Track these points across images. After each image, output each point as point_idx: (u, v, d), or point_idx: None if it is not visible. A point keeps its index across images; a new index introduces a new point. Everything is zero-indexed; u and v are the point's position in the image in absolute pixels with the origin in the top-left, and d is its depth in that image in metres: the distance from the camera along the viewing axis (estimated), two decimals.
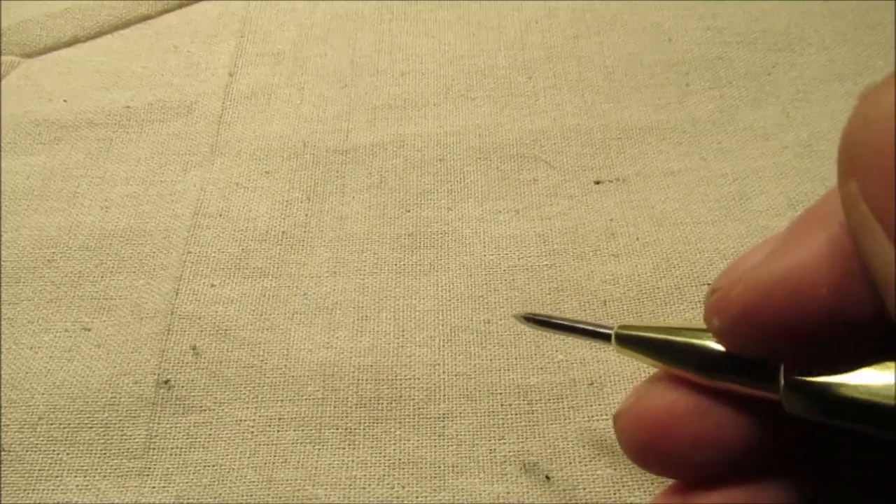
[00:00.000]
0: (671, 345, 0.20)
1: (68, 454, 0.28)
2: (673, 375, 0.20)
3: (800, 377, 0.17)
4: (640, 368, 0.28)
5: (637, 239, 0.32)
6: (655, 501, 0.20)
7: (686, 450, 0.19)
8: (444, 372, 0.29)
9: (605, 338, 0.22)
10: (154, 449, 0.27)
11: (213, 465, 0.27)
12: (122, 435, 0.28)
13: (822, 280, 0.16)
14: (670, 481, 0.20)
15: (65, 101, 0.39)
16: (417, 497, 0.26)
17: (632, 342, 0.21)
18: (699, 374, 0.19)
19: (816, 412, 0.17)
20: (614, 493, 0.26)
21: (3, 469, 0.27)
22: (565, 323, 0.23)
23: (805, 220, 0.17)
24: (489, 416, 0.27)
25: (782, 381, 0.17)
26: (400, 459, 0.27)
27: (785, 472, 0.19)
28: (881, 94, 0.14)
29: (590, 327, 0.22)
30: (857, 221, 0.14)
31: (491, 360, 0.29)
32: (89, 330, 0.30)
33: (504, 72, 0.39)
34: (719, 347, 0.19)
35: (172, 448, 0.27)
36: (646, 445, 0.20)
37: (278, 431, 0.28)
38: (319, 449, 0.27)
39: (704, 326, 0.19)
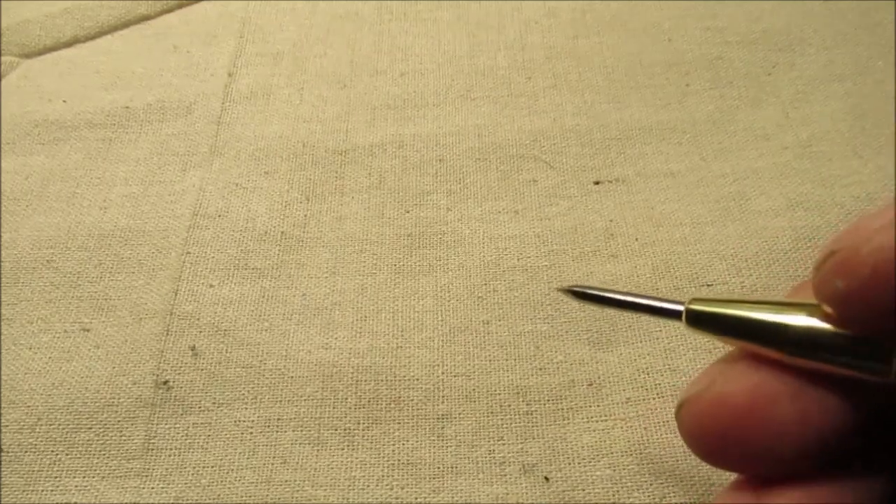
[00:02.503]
0: (757, 322, 0.17)
1: (67, 455, 0.27)
2: (753, 355, 0.18)
3: None
4: (641, 370, 0.28)
5: (636, 239, 0.32)
6: (721, 501, 0.18)
7: (777, 438, 0.17)
8: (443, 372, 0.29)
9: (673, 315, 0.19)
10: (153, 450, 0.27)
11: (212, 466, 0.27)
12: (120, 436, 0.28)
13: None
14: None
15: (64, 101, 0.39)
16: (416, 498, 0.26)
17: (708, 321, 0.19)
18: (794, 353, 0.17)
19: None
20: (613, 494, 0.25)
21: (1, 470, 0.27)
22: (623, 298, 0.21)
23: None
24: (488, 416, 0.27)
25: None
26: (399, 460, 0.27)
27: (873, 465, 0.17)
28: None
29: (654, 302, 0.20)
30: None
31: (490, 360, 0.29)
32: (88, 330, 0.30)
33: (504, 72, 0.39)
34: (818, 323, 0.17)
35: (171, 449, 0.27)
36: (726, 436, 0.17)
37: (277, 432, 0.28)
38: (318, 450, 0.27)
39: (787, 300, 0.17)
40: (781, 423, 0.17)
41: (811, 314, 0.17)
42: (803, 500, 0.17)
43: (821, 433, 0.17)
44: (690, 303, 0.19)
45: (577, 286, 0.22)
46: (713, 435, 0.18)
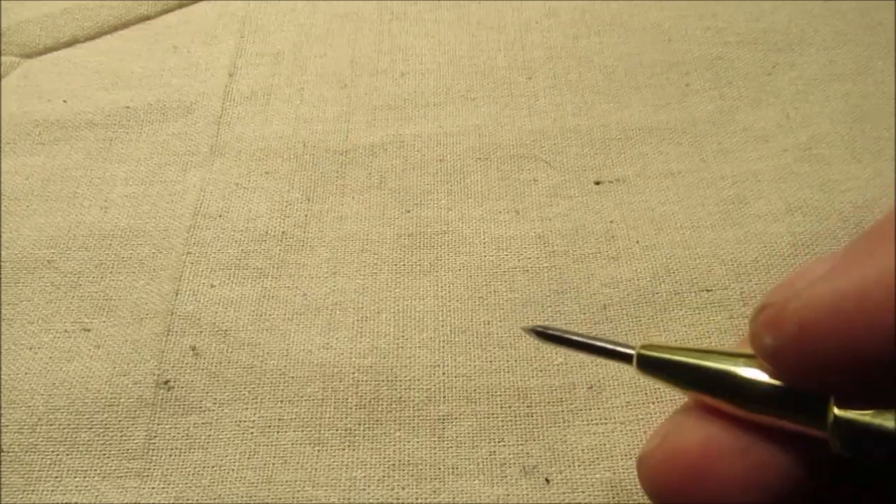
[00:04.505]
0: (704, 371, 0.17)
1: (67, 455, 0.28)
2: (704, 406, 0.18)
3: (851, 413, 0.15)
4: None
5: (637, 242, 0.32)
6: None
7: (726, 493, 0.17)
8: (443, 373, 0.29)
9: (625, 359, 0.20)
10: (153, 450, 0.28)
11: (213, 466, 0.27)
12: (121, 436, 0.28)
13: None
14: None
15: (64, 101, 0.39)
16: (417, 498, 0.26)
17: (657, 366, 0.19)
18: (739, 405, 0.17)
19: (867, 454, 0.15)
20: (613, 497, 0.26)
21: (2, 470, 0.27)
22: (580, 339, 0.21)
23: (878, 231, 0.15)
24: (489, 418, 0.27)
25: (831, 417, 0.15)
26: (399, 461, 0.27)
27: None
28: None
29: (608, 346, 0.20)
30: None
31: (491, 361, 0.29)
32: (89, 330, 0.30)
33: (504, 72, 0.39)
34: (761, 375, 0.17)
35: (172, 449, 0.28)
36: (679, 491, 0.17)
37: (278, 432, 0.28)
38: (319, 450, 0.27)
39: (737, 351, 0.17)
40: (731, 479, 0.17)
41: (760, 366, 0.17)
42: None
43: (770, 488, 0.17)
44: (641, 348, 0.19)
45: (539, 326, 0.22)
46: (668, 491, 0.18)
